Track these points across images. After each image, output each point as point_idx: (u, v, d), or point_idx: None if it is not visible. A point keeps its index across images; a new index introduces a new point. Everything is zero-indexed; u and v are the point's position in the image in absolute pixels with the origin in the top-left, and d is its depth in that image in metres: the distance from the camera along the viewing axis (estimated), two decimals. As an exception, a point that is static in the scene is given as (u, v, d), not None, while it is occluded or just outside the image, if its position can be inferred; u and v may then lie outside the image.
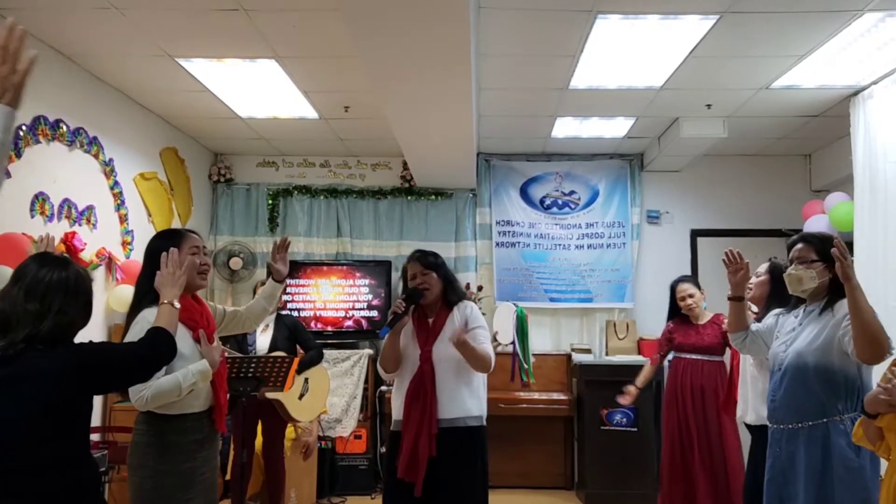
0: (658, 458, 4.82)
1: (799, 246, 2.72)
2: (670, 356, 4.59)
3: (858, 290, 2.38)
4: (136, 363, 2.02)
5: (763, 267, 3.50)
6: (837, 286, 2.51)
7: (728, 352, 4.28)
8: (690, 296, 4.40)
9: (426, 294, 2.98)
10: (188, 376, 2.41)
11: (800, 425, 2.57)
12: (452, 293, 3.04)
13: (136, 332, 2.35)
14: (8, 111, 1.70)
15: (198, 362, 2.49)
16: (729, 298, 3.03)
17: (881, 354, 2.39)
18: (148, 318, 2.38)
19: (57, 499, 1.81)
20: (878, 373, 2.56)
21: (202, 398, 2.57)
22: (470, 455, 2.86)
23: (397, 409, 2.96)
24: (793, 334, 2.71)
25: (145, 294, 2.50)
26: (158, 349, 2.08)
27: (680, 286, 4.47)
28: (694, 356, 4.36)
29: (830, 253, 2.40)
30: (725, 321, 4.29)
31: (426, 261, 3.03)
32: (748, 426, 3.48)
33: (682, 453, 4.34)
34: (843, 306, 2.52)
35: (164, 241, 2.64)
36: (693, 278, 4.55)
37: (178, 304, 2.28)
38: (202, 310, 2.71)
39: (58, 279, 1.90)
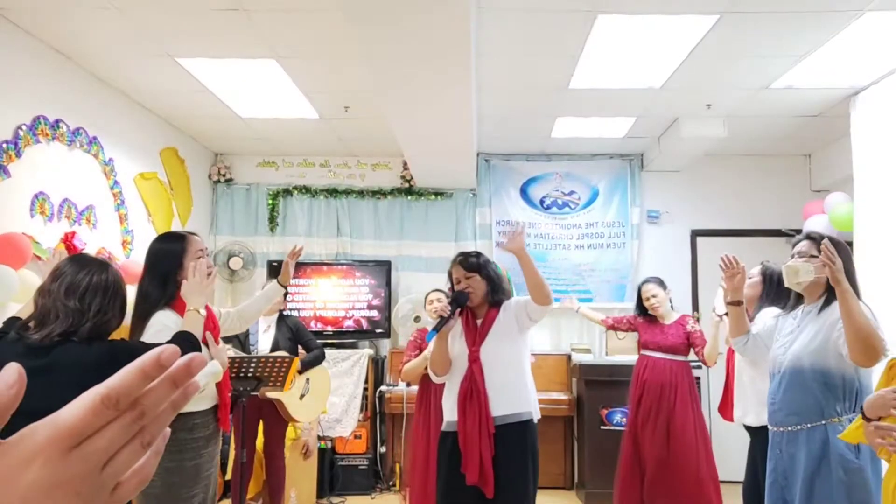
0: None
1: (803, 241, 2.71)
2: (636, 356, 4.67)
3: (849, 294, 2.37)
4: None
5: (755, 270, 3.53)
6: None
7: (704, 352, 4.36)
8: (654, 296, 4.50)
9: (471, 297, 2.98)
10: (202, 377, 2.47)
11: (799, 427, 2.57)
12: (496, 293, 3.03)
13: (151, 334, 2.42)
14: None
15: (211, 363, 2.56)
16: (727, 303, 3.02)
17: (875, 357, 2.38)
18: (163, 321, 2.44)
19: None
20: (877, 374, 2.55)
21: (208, 397, 2.66)
22: (522, 451, 2.87)
23: (449, 410, 2.98)
24: (791, 336, 2.70)
25: (158, 298, 2.54)
26: (185, 352, 2.10)
27: (645, 286, 4.59)
28: (658, 355, 4.45)
29: (819, 257, 2.40)
30: (690, 322, 4.39)
31: (468, 263, 3.02)
32: (748, 427, 3.48)
33: (642, 450, 4.38)
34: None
35: (168, 243, 2.69)
36: (659, 279, 4.60)
37: (203, 312, 2.35)
38: (207, 312, 2.76)
39: (97, 281, 1.94)
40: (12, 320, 2.03)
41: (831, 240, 2.64)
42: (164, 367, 0.47)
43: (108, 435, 0.46)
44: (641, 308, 4.58)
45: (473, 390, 2.87)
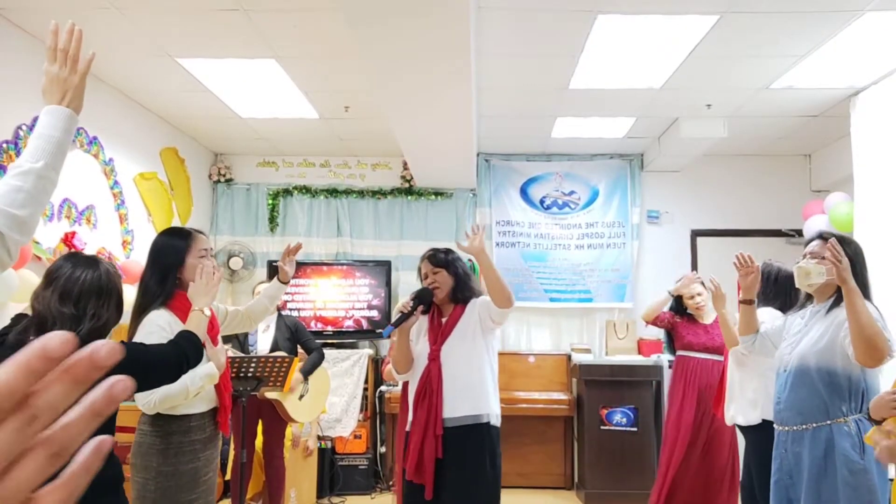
0: (658, 454, 4.84)
1: (815, 242, 2.70)
2: (673, 355, 4.61)
3: (855, 293, 2.36)
4: (165, 365, 2.02)
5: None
6: None
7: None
8: (699, 294, 4.41)
9: (436, 293, 2.94)
10: (195, 380, 2.41)
11: (804, 427, 2.56)
12: (461, 290, 2.96)
13: (143, 335, 2.36)
14: (69, 114, 1.68)
15: (205, 365, 2.49)
16: (739, 302, 3.02)
17: (880, 358, 2.37)
18: (156, 321, 2.39)
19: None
20: (884, 375, 2.54)
21: (206, 399, 2.58)
22: (478, 455, 2.80)
23: (411, 409, 2.95)
24: (798, 336, 2.70)
25: (157, 295, 2.48)
26: (187, 352, 2.10)
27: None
28: (703, 356, 4.37)
29: (825, 257, 2.40)
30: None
31: (436, 258, 2.98)
32: (740, 427, 3.48)
33: (687, 449, 4.34)
34: None
35: (172, 238, 2.64)
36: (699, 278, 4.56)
37: (208, 312, 2.33)
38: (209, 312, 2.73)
39: (91, 280, 1.91)
40: (20, 317, 2.02)
41: (843, 239, 2.63)
42: (54, 358, 0.40)
43: None
44: (679, 307, 4.52)
45: (428, 389, 2.82)
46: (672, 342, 4.60)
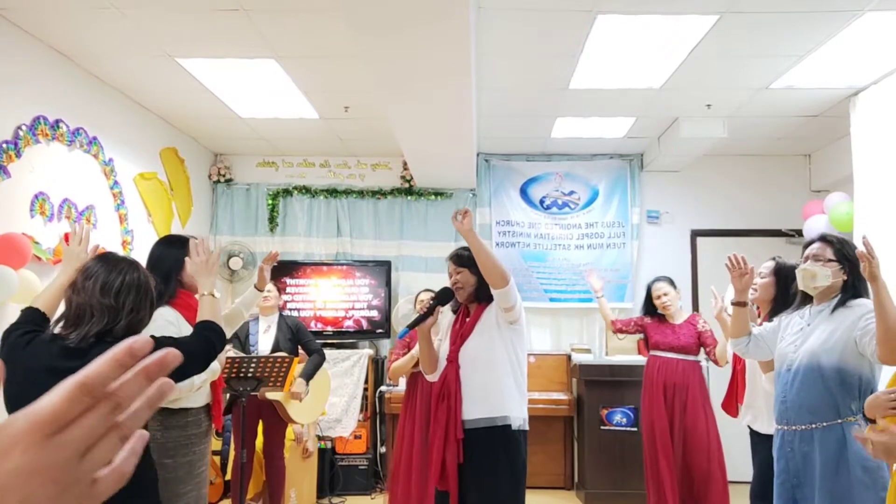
0: None
1: (817, 244, 2.70)
2: (636, 356, 4.65)
3: (885, 291, 2.34)
4: (193, 356, 2.04)
5: (767, 267, 3.44)
6: (848, 288, 2.51)
7: (703, 351, 4.41)
8: (665, 294, 4.45)
9: (460, 293, 2.88)
10: (202, 374, 2.46)
11: (814, 426, 2.55)
12: (485, 288, 2.84)
13: (154, 329, 2.38)
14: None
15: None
16: (732, 303, 2.98)
17: None
18: (165, 315, 2.44)
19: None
20: (886, 373, 2.55)
21: (205, 393, 2.67)
22: (494, 459, 2.71)
23: None
24: (801, 334, 2.69)
25: (161, 294, 2.50)
26: (211, 341, 2.12)
27: (655, 285, 4.54)
28: (669, 355, 4.40)
29: (856, 253, 2.40)
30: (700, 321, 4.36)
31: (459, 258, 2.92)
32: (757, 433, 3.45)
33: (662, 450, 4.35)
34: (858, 306, 2.52)
35: (169, 247, 2.67)
36: (669, 279, 4.58)
37: (217, 294, 2.30)
38: None
39: (130, 280, 1.96)
40: (31, 311, 2.06)
41: (844, 241, 2.66)
42: (137, 356, 0.48)
43: (86, 424, 0.47)
44: (650, 308, 4.54)
45: (445, 392, 2.76)
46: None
